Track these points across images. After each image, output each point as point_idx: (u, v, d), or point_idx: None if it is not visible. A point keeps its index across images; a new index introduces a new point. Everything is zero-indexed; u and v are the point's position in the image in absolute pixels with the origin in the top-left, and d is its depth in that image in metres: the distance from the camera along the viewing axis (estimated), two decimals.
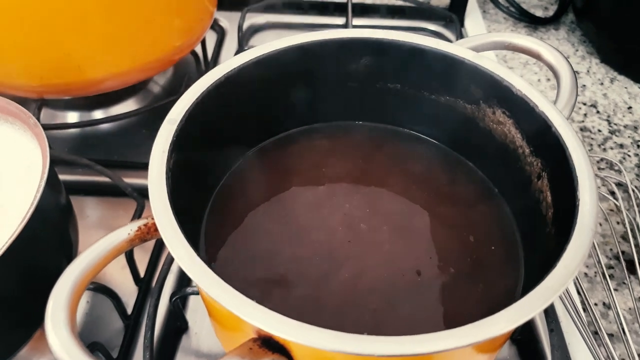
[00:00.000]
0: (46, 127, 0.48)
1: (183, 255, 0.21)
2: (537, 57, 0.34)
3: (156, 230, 0.23)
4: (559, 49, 0.66)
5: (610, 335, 0.38)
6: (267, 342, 0.21)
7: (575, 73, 0.33)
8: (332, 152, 0.36)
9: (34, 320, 0.31)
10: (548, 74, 0.62)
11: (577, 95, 0.31)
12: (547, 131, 0.28)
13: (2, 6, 0.38)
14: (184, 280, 0.39)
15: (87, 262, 0.22)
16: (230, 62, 0.31)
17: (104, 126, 0.50)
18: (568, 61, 0.33)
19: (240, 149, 0.35)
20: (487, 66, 0.31)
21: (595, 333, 0.37)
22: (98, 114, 0.50)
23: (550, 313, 0.35)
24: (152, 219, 0.23)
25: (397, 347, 0.19)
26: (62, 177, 0.37)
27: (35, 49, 0.41)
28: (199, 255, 0.22)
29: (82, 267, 0.22)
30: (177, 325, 0.36)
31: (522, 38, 0.34)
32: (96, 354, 0.33)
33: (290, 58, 0.33)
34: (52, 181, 0.32)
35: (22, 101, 0.35)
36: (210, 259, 0.30)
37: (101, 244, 0.23)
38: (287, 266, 0.30)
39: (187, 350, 0.36)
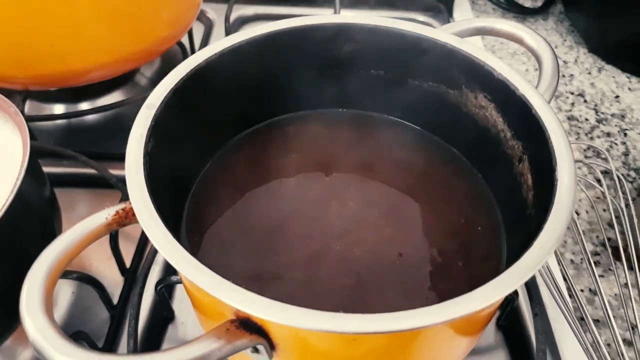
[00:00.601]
0: (32, 119, 0.48)
1: (160, 237, 0.21)
2: (519, 42, 0.34)
3: (134, 214, 0.23)
4: (547, 39, 0.66)
5: (596, 321, 0.38)
6: (245, 323, 0.21)
7: (556, 57, 0.33)
8: (315, 139, 0.36)
9: (16, 311, 0.30)
10: (536, 64, 0.62)
11: (558, 79, 0.31)
12: (527, 114, 0.28)
13: None
14: (169, 269, 0.39)
15: (63, 246, 0.22)
16: (211, 47, 0.31)
17: (91, 118, 0.50)
18: (550, 45, 0.33)
19: (222, 137, 0.35)
20: (469, 50, 0.31)
21: (581, 319, 0.37)
22: (84, 106, 0.50)
23: (534, 298, 0.35)
24: (131, 203, 0.23)
25: (372, 324, 0.19)
26: (47, 169, 0.36)
27: (19, 40, 0.40)
28: (179, 240, 0.22)
29: (58, 251, 0.22)
30: (163, 314, 0.36)
31: (505, 23, 0.34)
32: (81, 343, 0.32)
33: (272, 44, 0.33)
34: (33, 171, 0.31)
35: (7, 93, 0.34)
36: (192, 248, 0.30)
37: (78, 227, 0.23)
38: (270, 253, 0.30)
39: (173, 339, 0.36)
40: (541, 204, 0.25)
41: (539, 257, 0.21)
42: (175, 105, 0.28)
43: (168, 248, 0.21)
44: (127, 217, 0.24)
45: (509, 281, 0.20)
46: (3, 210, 0.27)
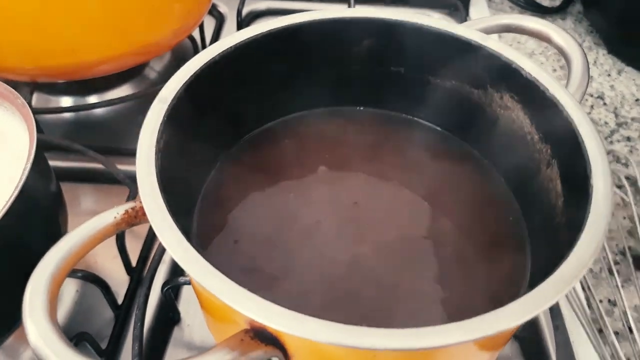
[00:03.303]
0: (39, 111, 0.47)
1: (171, 240, 0.20)
2: (547, 40, 0.33)
3: (144, 214, 0.22)
4: None
5: (616, 333, 0.37)
6: (260, 334, 0.20)
7: (586, 57, 0.31)
8: (332, 138, 0.35)
9: (19, 309, 0.30)
10: (554, 64, 0.61)
11: (588, 79, 0.30)
12: (559, 116, 0.26)
13: None
14: (176, 269, 0.37)
15: (69, 247, 0.21)
16: (225, 40, 0.29)
17: (99, 112, 0.49)
18: (579, 44, 0.31)
19: (236, 132, 0.34)
20: (496, 48, 0.30)
21: (600, 331, 0.35)
22: (93, 99, 0.49)
23: (554, 309, 0.34)
24: (141, 202, 0.22)
25: (397, 341, 0.17)
26: (54, 163, 0.36)
27: (28, 31, 0.40)
28: (190, 242, 0.20)
29: (64, 251, 0.20)
30: (169, 316, 0.35)
31: (532, 20, 0.33)
32: (84, 345, 0.32)
33: (288, 38, 0.31)
34: (39, 165, 0.30)
35: (15, 85, 0.34)
36: (202, 247, 0.29)
37: (85, 227, 0.22)
38: (284, 255, 0.29)
39: (179, 342, 0.35)
40: (572, 212, 0.24)
41: (575, 270, 0.20)
42: (188, 99, 0.27)
43: (181, 252, 0.19)
44: (137, 217, 0.22)
45: (544, 296, 0.19)
46: (8, 205, 0.26)
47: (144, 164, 0.22)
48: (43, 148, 0.32)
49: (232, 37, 0.30)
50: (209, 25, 0.60)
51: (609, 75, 0.60)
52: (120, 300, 0.35)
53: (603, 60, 0.62)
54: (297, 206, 0.31)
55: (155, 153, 0.23)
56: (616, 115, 0.55)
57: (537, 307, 0.18)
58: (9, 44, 0.41)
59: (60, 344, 0.18)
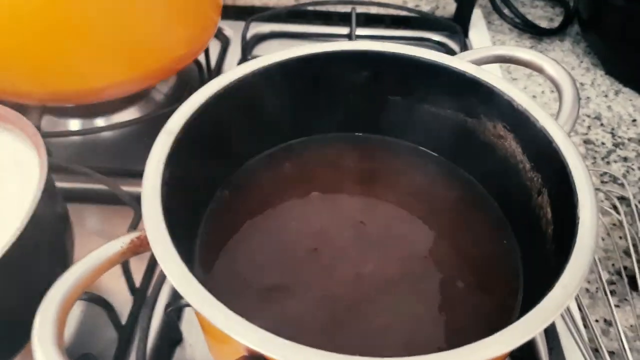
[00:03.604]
0: (47, 135, 0.48)
1: (174, 271, 0.21)
2: (539, 70, 0.34)
3: (149, 243, 0.23)
4: (563, 60, 0.65)
5: (612, 353, 0.37)
6: None
7: (577, 88, 0.32)
8: (331, 163, 0.36)
9: (25, 332, 0.30)
10: (552, 86, 0.62)
11: (579, 109, 0.31)
12: (548, 146, 0.27)
13: (5, 14, 0.38)
14: None
15: (77, 275, 0.22)
16: (230, 73, 0.30)
17: (106, 134, 0.50)
18: (571, 75, 0.32)
19: (238, 161, 0.35)
20: (488, 80, 0.31)
21: (596, 350, 0.36)
22: (100, 122, 0.50)
23: (550, 331, 0.34)
24: (145, 232, 0.23)
25: None
26: (61, 184, 0.36)
27: (37, 57, 0.41)
28: (192, 267, 0.21)
29: (72, 280, 0.21)
30: (171, 336, 0.36)
31: (525, 52, 0.34)
32: None
33: (291, 70, 0.32)
34: (49, 191, 0.31)
35: (24, 108, 0.35)
36: (204, 271, 0.30)
37: (93, 256, 0.23)
38: (284, 280, 0.30)
39: None
40: (561, 241, 0.25)
41: (561, 300, 0.21)
42: (192, 131, 0.28)
43: (183, 283, 0.20)
44: (142, 246, 0.23)
45: (531, 325, 0.20)
46: (20, 231, 0.27)
47: (149, 197, 0.23)
48: (50, 170, 0.33)
49: (235, 70, 0.31)
50: (214, 48, 0.61)
51: (606, 96, 0.61)
52: (123, 321, 0.36)
53: (600, 81, 0.63)
54: (296, 231, 0.32)
55: (161, 186, 0.24)
56: (613, 136, 0.56)
57: (522, 337, 0.19)
58: (19, 70, 0.42)
59: None
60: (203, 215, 0.32)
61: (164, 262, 0.21)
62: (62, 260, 0.33)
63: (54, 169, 0.43)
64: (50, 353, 0.19)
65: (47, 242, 0.32)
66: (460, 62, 0.32)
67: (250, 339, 0.19)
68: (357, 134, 0.38)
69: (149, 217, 0.23)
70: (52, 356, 0.19)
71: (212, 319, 0.19)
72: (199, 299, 0.20)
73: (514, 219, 0.32)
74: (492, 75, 0.31)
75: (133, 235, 0.24)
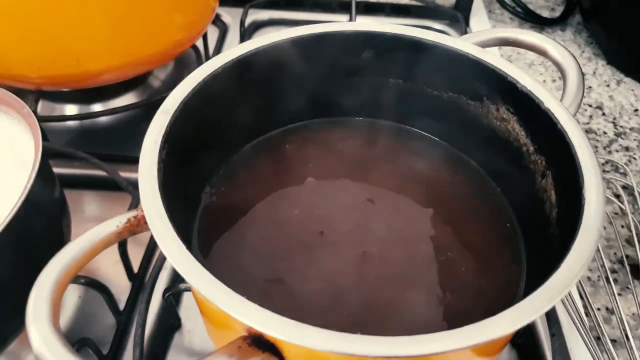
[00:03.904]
0: (44, 119, 0.48)
1: (172, 248, 0.20)
2: (543, 53, 0.33)
3: (146, 222, 0.22)
4: None
5: (613, 341, 0.37)
6: (258, 341, 0.20)
7: (581, 70, 0.32)
8: (330, 148, 0.36)
9: (22, 315, 0.30)
10: (554, 75, 0.61)
11: (583, 92, 0.31)
12: (553, 128, 0.27)
13: None
14: (177, 276, 0.38)
15: (72, 254, 0.21)
16: (228, 53, 0.30)
17: (103, 119, 0.49)
18: (575, 58, 0.32)
19: (237, 142, 0.35)
20: (492, 61, 0.30)
21: (598, 338, 0.36)
22: (97, 107, 0.50)
23: (552, 317, 0.34)
24: (142, 211, 0.23)
25: (390, 348, 0.18)
26: (58, 170, 0.36)
27: (33, 40, 0.40)
28: (190, 251, 0.21)
29: (67, 259, 0.21)
30: (169, 322, 0.36)
31: (528, 34, 0.34)
32: (85, 350, 0.32)
33: (290, 51, 0.32)
34: (44, 172, 0.31)
35: (20, 93, 0.34)
36: (203, 255, 0.30)
37: (88, 235, 0.22)
38: (283, 264, 0.29)
39: (179, 347, 0.35)
40: (566, 223, 0.24)
41: (566, 280, 0.20)
42: (190, 111, 0.27)
43: (181, 261, 0.20)
44: (139, 225, 0.23)
45: (536, 305, 0.19)
46: (14, 212, 0.26)
47: (147, 174, 0.23)
48: (47, 155, 0.33)
49: (233, 50, 0.30)
50: (213, 34, 0.61)
51: (608, 85, 0.60)
52: (122, 306, 0.36)
53: (602, 70, 0.62)
54: (295, 214, 0.31)
55: (157, 163, 0.24)
56: (615, 125, 0.55)
57: (528, 317, 0.19)
58: (14, 53, 0.41)
59: (62, 350, 0.18)
60: (201, 199, 0.32)
61: (162, 239, 0.20)
62: (60, 244, 0.33)
63: (52, 154, 0.43)
64: (45, 330, 0.19)
65: (43, 225, 0.32)
66: (463, 44, 0.31)
67: (251, 318, 0.19)
68: (357, 118, 0.37)
69: (146, 195, 0.22)
70: (47, 333, 0.19)
71: (212, 298, 0.19)
72: (198, 278, 0.19)
73: (517, 203, 0.32)
74: (495, 57, 0.30)
75: (130, 214, 0.23)
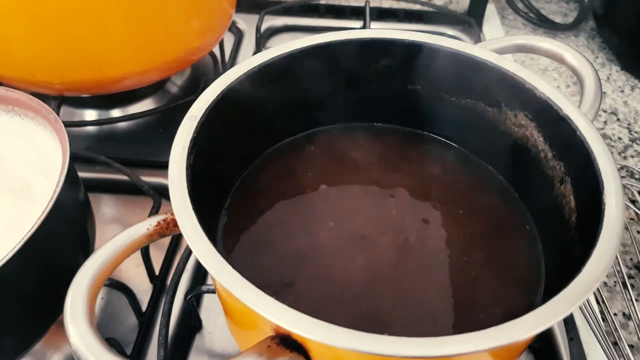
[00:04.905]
0: (65, 125, 0.49)
1: (203, 250, 0.21)
2: (560, 60, 0.33)
3: (175, 225, 0.23)
4: None
5: (631, 347, 0.37)
6: (285, 340, 0.21)
7: (599, 77, 0.32)
8: (350, 153, 0.36)
9: (49, 315, 0.31)
10: (568, 80, 0.61)
11: (601, 98, 0.31)
12: (571, 135, 0.27)
13: (25, 4, 0.39)
14: (198, 278, 0.39)
15: (106, 256, 0.22)
16: (251, 60, 0.31)
17: (122, 125, 0.50)
18: (592, 64, 0.32)
19: (259, 147, 0.35)
20: (510, 68, 0.31)
21: (615, 344, 0.36)
22: (116, 113, 0.51)
23: (569, 321, 0.34)
24: (172, 214, 0.23)
25: (416, 348, 0.18)
26: (80, 174, 0.37)
27: (56, 47, 0.41)
28: (215, 246, 0.21)
29: (102, 260, 0.22)
30: (191, 323, 0.36)
31: (545, 41, 0.34)
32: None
33: (310, 58, 0.33)
34: (71, 177, 0.32)
35: (42, 98, 0.35)
36: (227, 255, 0.30)
37: (120, 237, 0.23)
38: (306, 264, 0.30)
39: (200, 349, 0.36)
40: (586, 228, 0.25)
41: (588, 284, 0.20)
42: (216, 117, 0.28)
43: (213, 262, 0.20)
44: (168, 228, 0.24)
45: (558, 308, 0.20)
46: (44, 215, 0.27)
47: (176, 179, 0.24)
48: (72, 160, 0.34)
49: (256, 57, 0.31)
50: (229, 41, 0.62)
51: (622, 91, 0.60)
52: (144, 308, 0.36)
53: (616, 76, 0.62)
54: (322, 217, 0.32)
55: (186, 168, 0.24)
56: (629, 131, 0.55)
57: (550, 319, 0.19)
58: (39, 60, 0.42)
59: (99, 347, 0.19)
60: (226, 200, 0.33)
61: (193, 241, 0.21)
62: (85, 247, 0.34)
63: (74, 157, 0.43)
64: (82, 328, 0.19)
65: (70, 229, 0.32)
66: (480, 51, 0.32)
67: (279, 317, 0.19)
68: (376, 124, 0.38)
69: (177, 199, 0.23)
70: (84, 331, 0.19)
71: (241, 297, 0.20)
72: (231, 279, 0.20)
73: (535, 209, 0.32)
74: (513, 64, 0.31)
75: (159, 217, 0.24)
